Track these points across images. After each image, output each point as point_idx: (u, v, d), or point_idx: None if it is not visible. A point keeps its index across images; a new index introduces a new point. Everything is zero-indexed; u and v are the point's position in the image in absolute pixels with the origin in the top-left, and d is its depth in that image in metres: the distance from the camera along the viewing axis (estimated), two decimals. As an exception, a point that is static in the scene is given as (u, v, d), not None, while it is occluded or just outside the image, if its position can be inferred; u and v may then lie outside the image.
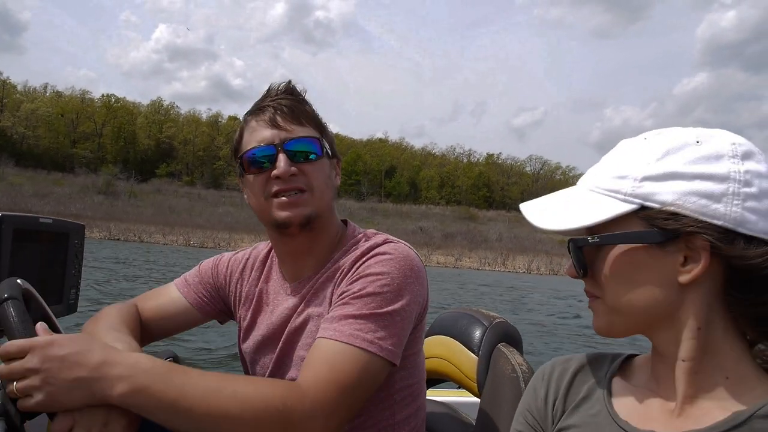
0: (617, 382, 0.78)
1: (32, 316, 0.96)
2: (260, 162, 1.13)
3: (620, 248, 0.67)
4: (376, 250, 1.08)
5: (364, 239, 1.16)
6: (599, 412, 0.75)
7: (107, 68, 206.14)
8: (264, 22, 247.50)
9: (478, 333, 1.43)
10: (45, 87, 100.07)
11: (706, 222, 0.64)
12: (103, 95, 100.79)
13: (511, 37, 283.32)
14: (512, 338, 1.42)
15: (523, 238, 72.70)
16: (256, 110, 1.17)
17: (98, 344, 0.90)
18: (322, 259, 1.18)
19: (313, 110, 1.19)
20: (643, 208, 0.66)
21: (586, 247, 0.69)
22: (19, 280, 0.99)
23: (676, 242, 0.65)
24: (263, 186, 1.13)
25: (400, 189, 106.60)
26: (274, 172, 1.10)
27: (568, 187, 0.76)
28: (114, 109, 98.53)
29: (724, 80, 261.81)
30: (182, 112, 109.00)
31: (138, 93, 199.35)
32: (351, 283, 1.06)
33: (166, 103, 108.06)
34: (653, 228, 0.66)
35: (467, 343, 1.45)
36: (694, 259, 0.65)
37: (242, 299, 1.29)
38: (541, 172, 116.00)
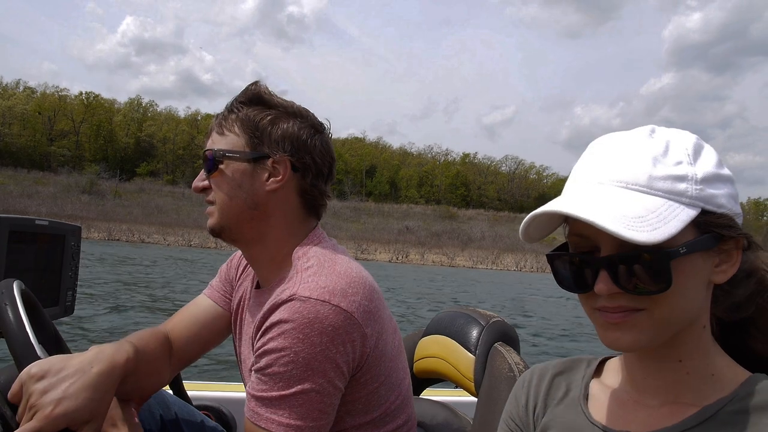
0: (594, 385, 0.78)
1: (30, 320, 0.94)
2: None
3: (690, 256, 0.63)
4: (279, 315, 0.98)
5: (293, 274, 1.06)
6: (577, 415, 0.76)
7: (70, 61, 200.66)
8: (235, 15, 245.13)
9: (475, 332, 1.43)
10: (17, 83, 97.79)
11: (740, 223, 0.67)
12: (80, 93, 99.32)
13: (483, 35, 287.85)
14: (509, 337, 1.42)
15: (505, 237, 75.17)
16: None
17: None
18: (268, 275, 1.16)
19: (252, 111, 1.13)
20: (702, 212, 0.64)
21: (675, 260, 0.62)
22: (15, 283, 0.97)
23: (719, 244, 0.65)
24: None
25: (381, 188, 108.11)
26: None
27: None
28: (92, 106, 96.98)
29: (689, 81, 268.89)
30: (159, 109, 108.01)
31: (103, 87, 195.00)
32: (259, 354, 1.00)
33: (145, 101, 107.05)
34: (708, 232, 0.64)
35: (464, 343, 1.44)
36: (725, 259, 0.66)
37: (236, 293, 1.30)
38: (516, 171, 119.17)
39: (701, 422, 0.65)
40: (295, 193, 1.15)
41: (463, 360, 1.43)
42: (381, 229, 77.59)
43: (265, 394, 0.97)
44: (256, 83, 1.16)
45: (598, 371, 0.81)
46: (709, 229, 0.64)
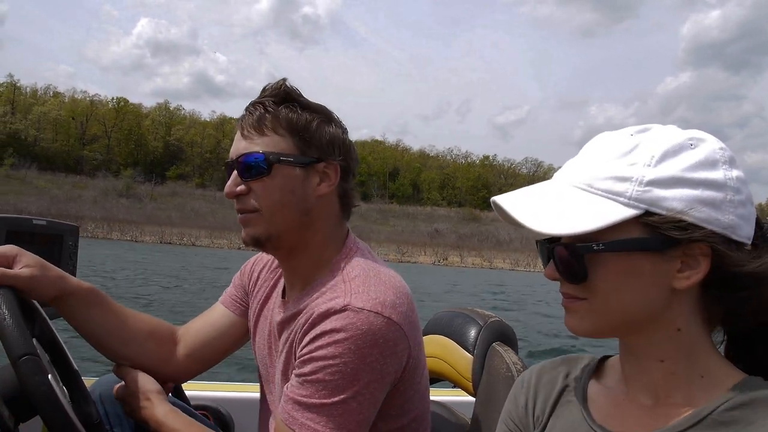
0: (592, 385, 0.78)
1: (27, 320, 0.95)
2: (228, 176, 1.09)
3: (620, 254, 0.65)
4: (332, 323, 0.97)
5: (339, 282, 1.05)
6: (576, 416, 0.76)
7: (85, 63, 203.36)
8: (249, 17, 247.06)
9: (473, 332, 1.43)
10: (47, 89, 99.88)
11: (710, 230, 0.63)
12: (112, 98, 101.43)
13: (494, 35, 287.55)
14: (507, 337, 1.43)
15: (530, 239, 76.30)
16: (242, 114, 1.11)
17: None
18: (309, 280, 1.11)
19: (294, 112, 1.07)
20: (646, 213, 0.64)
21: (588, 254, 0.65)
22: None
23: (676, 249, 0.64)
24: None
25: (404, 190, 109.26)
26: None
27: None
28: (123, 111, 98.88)
29: (706, 79, 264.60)
30: (183, 113, 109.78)
31: (116, 88, 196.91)
32: (305, 359, 0.98)
33: (172, 105, 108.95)
34: (656, 234, 0.64)
35: (462, 343, 1.44)
36: (691, 265, 0.65)
37: (253, 298, 1.28)
38: (536, 173, 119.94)
39: (694, 424, 0.65)
40: (336, 196, 1.13)
41: (461, 360, 1.44)
42: (410, 231, 78.84)
43: (305, 399, 0.97)
44: (283, 81, 1.10)
45: (597, 370, 0.81)
46: (656, 231, 0.64)
